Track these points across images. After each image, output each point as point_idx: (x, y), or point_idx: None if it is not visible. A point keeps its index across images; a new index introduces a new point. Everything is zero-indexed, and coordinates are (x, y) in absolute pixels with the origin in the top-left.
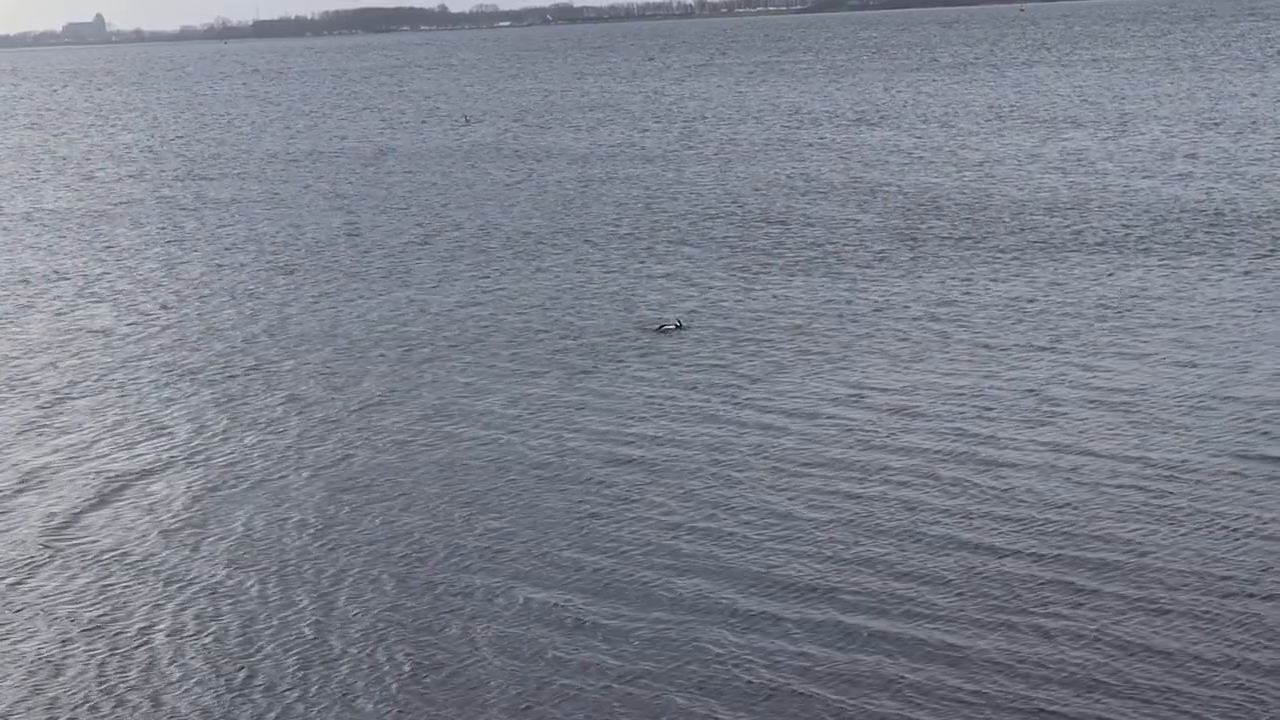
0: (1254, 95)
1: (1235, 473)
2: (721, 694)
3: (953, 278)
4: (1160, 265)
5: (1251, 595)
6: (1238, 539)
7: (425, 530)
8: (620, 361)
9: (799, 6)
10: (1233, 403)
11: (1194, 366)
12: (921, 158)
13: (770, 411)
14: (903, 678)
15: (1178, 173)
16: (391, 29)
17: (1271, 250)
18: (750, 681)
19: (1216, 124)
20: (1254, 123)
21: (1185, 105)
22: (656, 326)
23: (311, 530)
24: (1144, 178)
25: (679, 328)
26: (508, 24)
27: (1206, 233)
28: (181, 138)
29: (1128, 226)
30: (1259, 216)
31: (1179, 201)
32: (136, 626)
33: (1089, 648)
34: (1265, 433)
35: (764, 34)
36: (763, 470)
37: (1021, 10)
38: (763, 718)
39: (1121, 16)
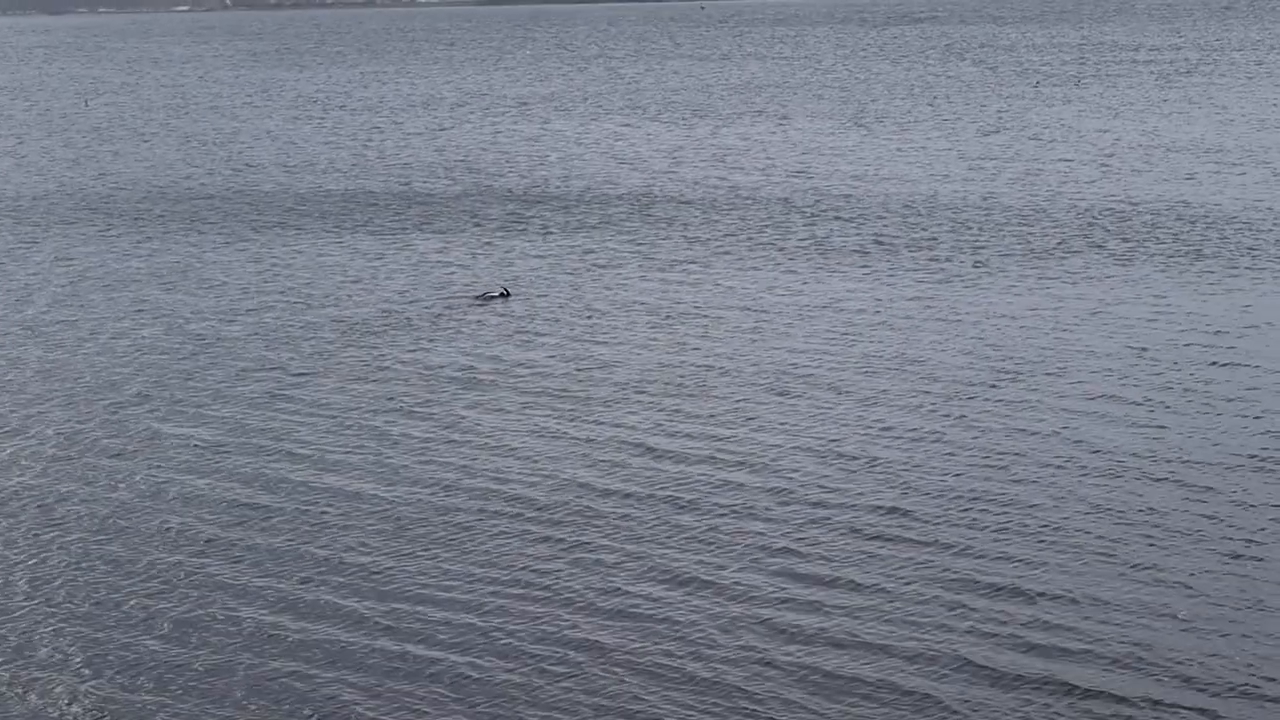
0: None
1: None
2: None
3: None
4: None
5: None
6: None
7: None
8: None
9: None
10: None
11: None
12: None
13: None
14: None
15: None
16: (69, 10)
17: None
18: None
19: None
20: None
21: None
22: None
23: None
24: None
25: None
26: (186, 8)
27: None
28: None
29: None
30: (864, 214)
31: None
32: None
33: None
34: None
35: (427, 26)
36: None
37: (702, 8)
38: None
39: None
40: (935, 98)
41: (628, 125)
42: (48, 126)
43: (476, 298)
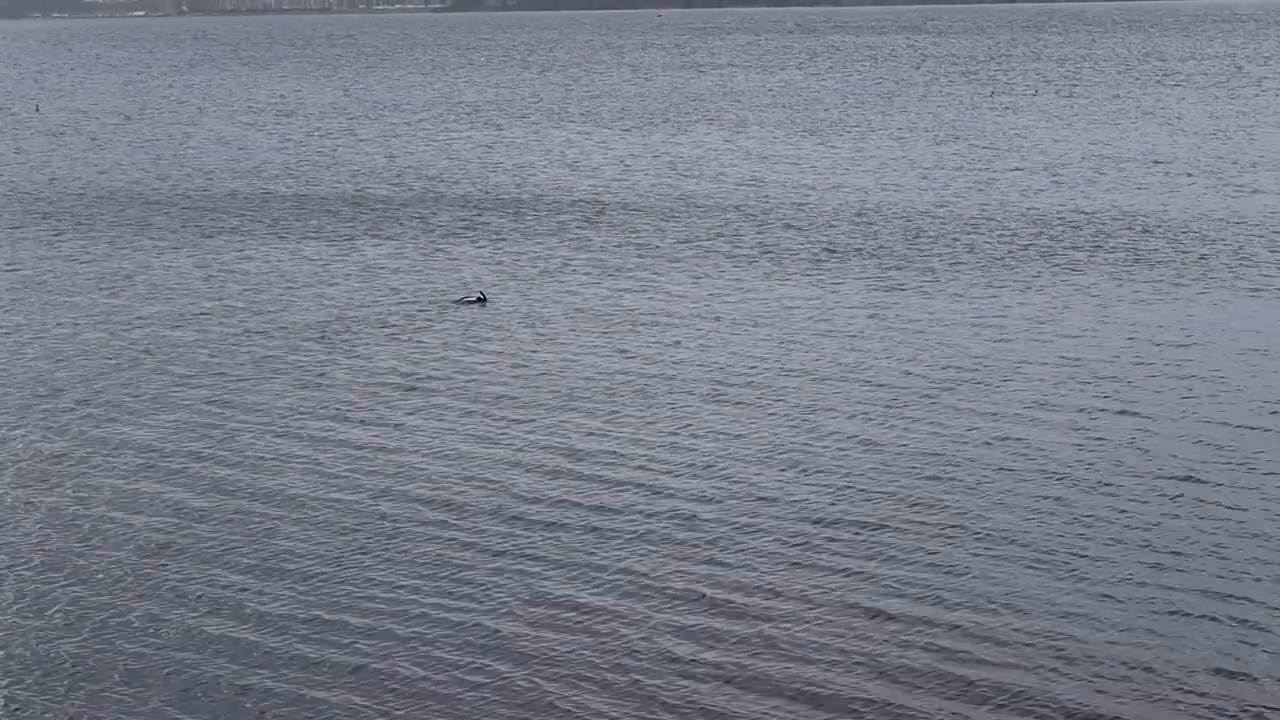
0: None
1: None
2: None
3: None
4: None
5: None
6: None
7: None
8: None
9: (437, 5)
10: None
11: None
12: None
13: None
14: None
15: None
16: (23, 15)
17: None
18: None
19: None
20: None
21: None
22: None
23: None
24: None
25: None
26: (141, 14)
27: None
28: None
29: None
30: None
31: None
32: None
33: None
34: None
35: (386, 31)
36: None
37: (659, 16)
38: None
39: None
40: (887, 107)
41: (581, 132)
42: None
43: (454, 302)
